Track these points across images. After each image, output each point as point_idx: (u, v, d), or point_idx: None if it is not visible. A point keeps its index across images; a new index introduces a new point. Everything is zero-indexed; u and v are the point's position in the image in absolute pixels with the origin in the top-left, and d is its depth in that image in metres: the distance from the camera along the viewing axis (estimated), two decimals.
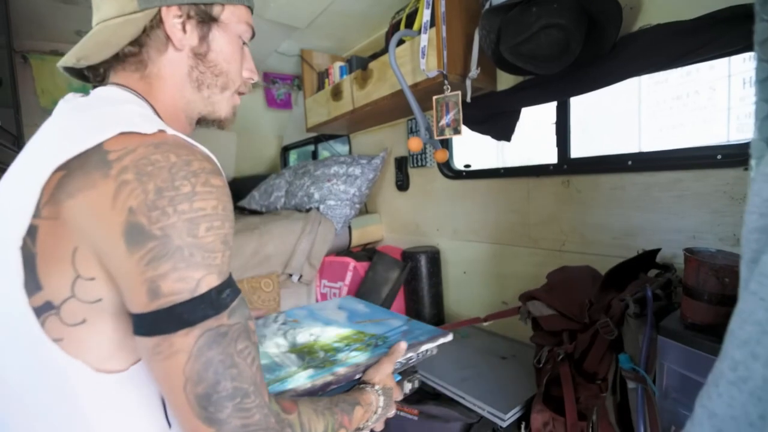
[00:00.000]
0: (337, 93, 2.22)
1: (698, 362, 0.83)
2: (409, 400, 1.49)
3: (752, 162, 0.34)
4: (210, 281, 0.49)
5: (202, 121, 0.74)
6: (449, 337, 0.92)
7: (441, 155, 1.81)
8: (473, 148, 2.41)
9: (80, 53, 0.64)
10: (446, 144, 2.12)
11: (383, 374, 0.78)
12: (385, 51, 1.80)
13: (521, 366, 1.48)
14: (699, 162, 1.26)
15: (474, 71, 1.56)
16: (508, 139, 1.79)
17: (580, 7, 1.22)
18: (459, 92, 1.56)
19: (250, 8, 0.74)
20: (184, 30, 0.65)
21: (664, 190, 1.34)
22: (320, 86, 2.50)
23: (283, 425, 0.54)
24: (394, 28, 1.81)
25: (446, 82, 1.55)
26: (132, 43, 0.64)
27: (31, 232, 0.48)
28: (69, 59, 0.65)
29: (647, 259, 1.27)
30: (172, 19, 0.64)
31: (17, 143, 1.51)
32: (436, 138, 1.69)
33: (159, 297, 0.47)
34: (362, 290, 2.00)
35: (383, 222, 2.72)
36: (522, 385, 1.37)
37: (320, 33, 2.37)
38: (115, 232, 0.46)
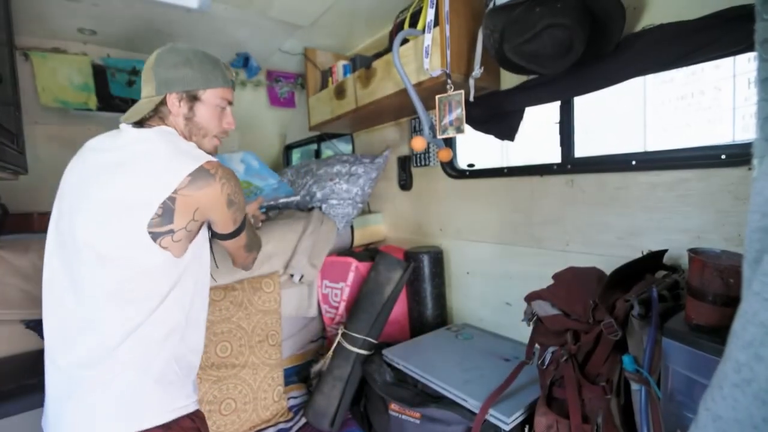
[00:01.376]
0: (340, 92, 2.22)
1: (703, 364, 0.82)
2: (411, 403, 1.48)
3: (755, 161, 0.34)
4: (243, 216, 1.15)
5: None
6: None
7: (445, 154, 1.80)
8: (477, 148, 2.41)
9: (127, 116, 1.11)
10: (450, 143, 2.11)
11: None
12: (388, 50, 1.79)
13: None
14: (703, 162, 1.25)
15: (477, 70, 1.56)
16: (511, 138, 1.79)
17: (583, 6, 1.21)
18: (462, 91, 1.56)
19: (230, 87, 1.18)
20: (179, 105, 1.10)
21: (669, 190, 1.33)
22: (323, 85, 2.50)
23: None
24: (398, 27, 1.81)
25: (449, 81, 1.55)
26: (152, 111, 1.10)
27: (171, 199, 0.94)
28: (124, 118, 1.11)
29: (654, 259, 1.27)
30: (172, 99, 1.09)
31: (16, 141, 1.49)
32: (438, 137, 1.69)
33: (236, 224, 1.11)
34: (364, 290, 1.99)
35: (386, 222, 2.72)
36: (525, 388, 1.37)
37: (324, 31, 2.37)
38: (223, 204, 1.03)
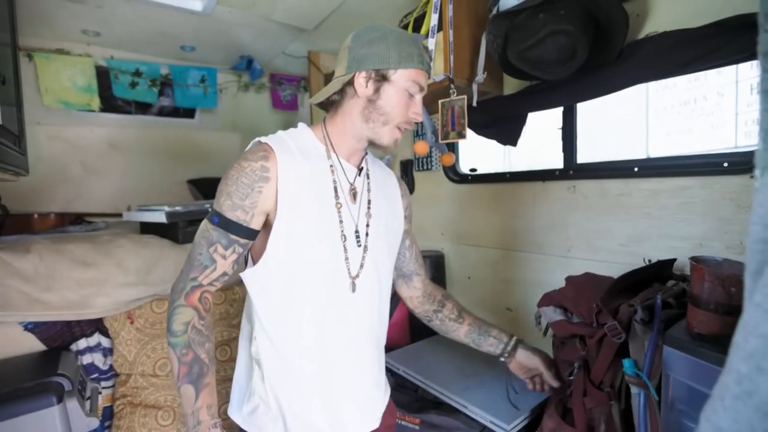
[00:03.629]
0: None
1: (704, 373, 0.81)
2: (410, 408, 1.48)
3: (757, 172, 0.34)
4: (216, 207, 0.97)
5: (371, 144, 1.06)
6: None
7: (448, 159, 1.80)
8: (479, 153, 2.41)
9: (315, 97, 1.08)
10: (452, 148, 2.11)
11: None
12: None
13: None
14: (705, 169, 1.25)
15: (480, 75, 1.56)
16: (514, 143, 1.79)
17: (587, 13, 1.21)
18: (465, 96, 1.56)
19: (425, 70, 1.02)
20: (366, 86, 0.99)
21: (671, 197, 1.33)
22: None
23: (176, 304, 0.95)
24: None
25: (452, 86, 1.55)
26: (337, 93, 1.04)
27: None
28: (312, 100, 1.11)
29: (663, 269, 1.26)
30: (360, 78, 0.99)
31: (18, 143, 1.49)
32: (441, 142, 1.69)
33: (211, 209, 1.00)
34: None
35: None
36: (527, 394, 1.36)
37: (328, 35, 2.37)
38: None
